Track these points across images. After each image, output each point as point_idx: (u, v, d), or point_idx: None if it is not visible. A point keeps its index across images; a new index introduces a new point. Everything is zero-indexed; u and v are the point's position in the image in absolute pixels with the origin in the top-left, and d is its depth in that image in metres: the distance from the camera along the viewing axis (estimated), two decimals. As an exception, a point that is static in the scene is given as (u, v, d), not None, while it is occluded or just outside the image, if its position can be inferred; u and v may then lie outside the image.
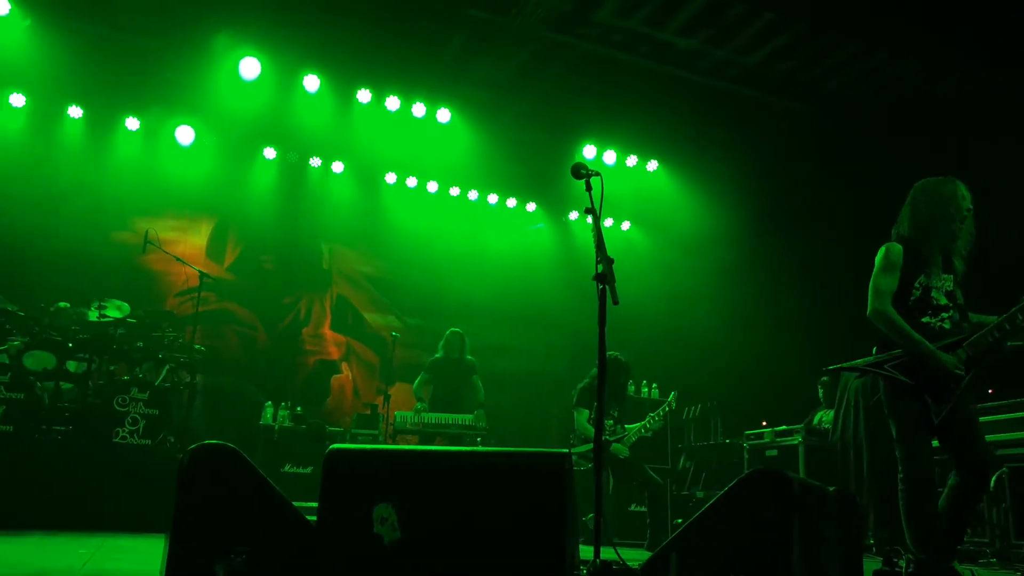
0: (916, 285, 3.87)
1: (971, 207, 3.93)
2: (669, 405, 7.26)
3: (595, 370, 7.08)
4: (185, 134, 9.36)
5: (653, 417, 7.12)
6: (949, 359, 3.72)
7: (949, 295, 3.91)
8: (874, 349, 4.00)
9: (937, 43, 7.60)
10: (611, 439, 6.91)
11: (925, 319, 3.85)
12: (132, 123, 9.22)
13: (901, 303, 3.87)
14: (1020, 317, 3.72)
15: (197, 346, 7.97)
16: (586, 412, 7.06)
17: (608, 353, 6.13)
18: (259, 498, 2.80)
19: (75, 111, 8.95)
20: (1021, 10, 6.82)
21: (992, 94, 7.86)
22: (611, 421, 7.06)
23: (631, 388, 8.91)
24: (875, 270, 3.93)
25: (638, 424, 7.14)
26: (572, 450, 6.78)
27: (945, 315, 3.87)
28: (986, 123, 7.87)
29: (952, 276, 3.95)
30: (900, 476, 3.81)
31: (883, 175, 8.51)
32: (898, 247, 3.92)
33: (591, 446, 6.73)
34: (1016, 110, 7.52)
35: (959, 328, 3.88)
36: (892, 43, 7.85)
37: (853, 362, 4.07)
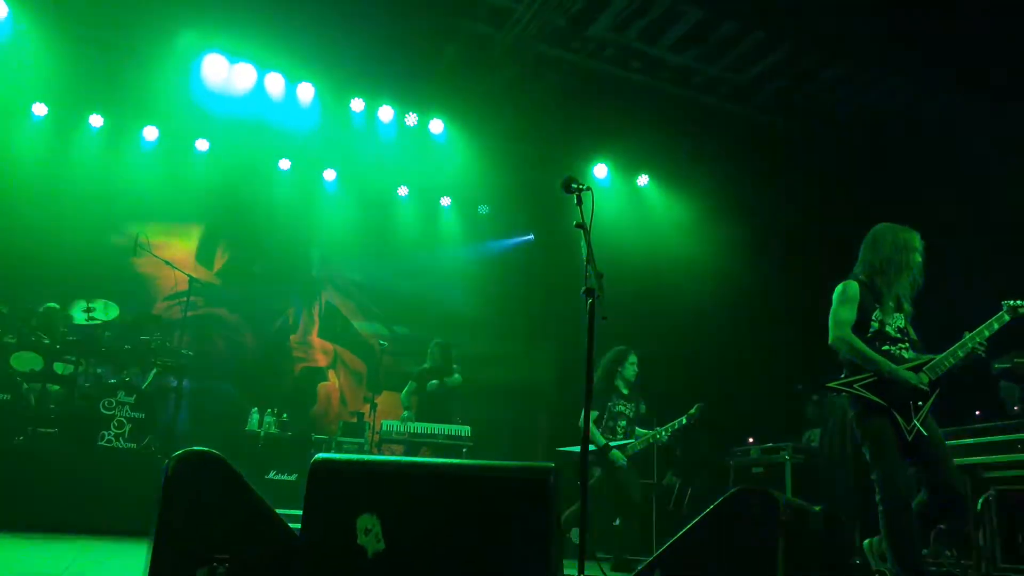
0: (874, 318, 4.18)
1: (921, 260, 4.28)
2: (689, 418, 6.73)
3: (608, 364, 6.86)
4: (176, 140, 9.35)
5: (666, 430, 6.74)
6: (913, 376, 4.02)
7: (901, 331, 4.24)
8: (843, 373, 4.24)
9: (923, 63, 7.67)
10: (614, 443, 6.55)
11: (886, 347, 4.14)
12: (124, 128, 9.19)
13: (862, 334, 4.15)
14: (969, 346, 4.09)
15: (185, 350, 7.95)
16: (594, 413, 6.55)
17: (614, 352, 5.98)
18: (243, 506, 2.79)
19: (68, 116, 8.93)
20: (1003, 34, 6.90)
21: (978, 115, 7.93)
22: (624, 423, 6.75)
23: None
24: (834, 304, 4.25)
25: (649, 433, 6.78)
26: (560, 448, 6.58)
27: (903, 345, 4.19)
28: (972, 143, 7.94)
29: (903, 315, 4.28)
30: (878, 498, 3.96)
31: (872, 193, 8.58)
32: (855, 284, 4.24)
33: (593, 447, 6.38)
34: (1003, 132, 7.59)
35: (918, 356, 4.18)
36: (879, 62, 7.92)
37: (829, 383, 4.26)
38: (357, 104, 9.12)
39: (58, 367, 7.05)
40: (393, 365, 9.83)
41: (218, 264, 9.95)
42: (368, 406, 8.71)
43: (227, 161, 9.75)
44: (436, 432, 8.03)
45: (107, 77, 8.39)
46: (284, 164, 10.05)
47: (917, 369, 4.09)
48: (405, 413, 8.24)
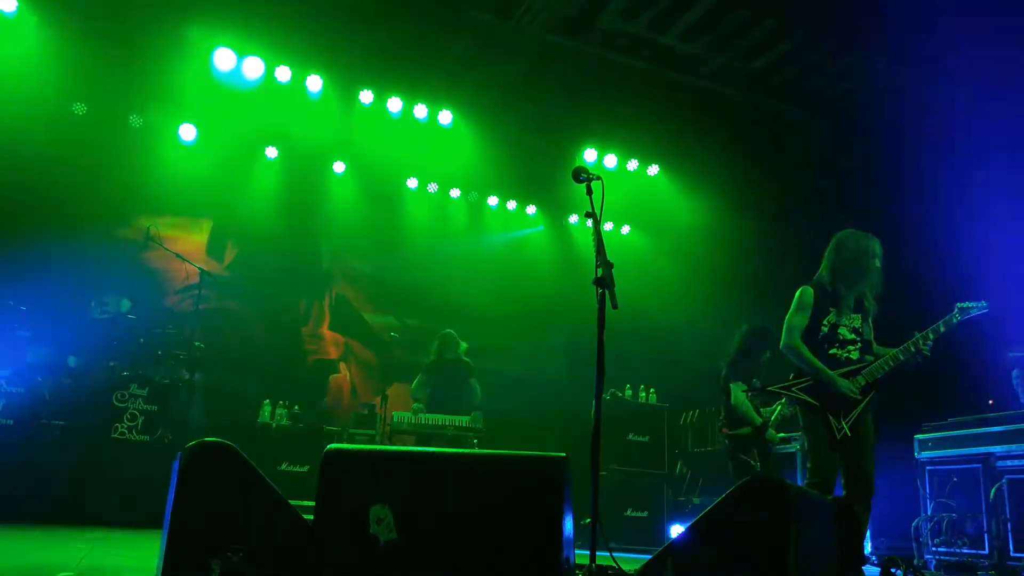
0: (824, 323, 4.56)
1: (880, 265, 4.58)
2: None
3: (741, 336, 6.39)
4: (187, 132, 9.36)
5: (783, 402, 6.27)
6: (845, 383, 4.42)
7: (856, 331, 4.58)
8: (791, 375, 4.63)
9: (935, 51, 7.60)
10: (769, 423, 6.18)
11: (832, 351, 4.53)
12: (134, 120, 9.20)
13: (812, 337, 4.56)
14: (911, 350, 4.47)
15: (196, 343, 7.98)
16: (743, 386, 6.23)
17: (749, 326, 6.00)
18: (257, 496, 2.80)
19: (78, 107, 8.94)
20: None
21: (991, 104, 7.87)
22: (756, 401, 6.37)
23: (628, 392, 8.93)
24: (790, 310, 4.65)
25: (776, 406, 6.35)
26: (730, 431, 6.08)
27: (851, 347, 4.55)
28: (983, 133, 7.88)
29: (861, 315, 4.62)
30: (805, 483, 4.46)
31: (883, 183, 8.53)
32: (811, 291, 4.62)
33: (748, 430, 6.04)
34: (1014, 125, 7.54)
35: (863, 359, 4.56)
36: (889, 51, 7.86)
37: (771, 386, 4.75)
38: (366, 95, 9.12)
39: (71, 360, 7.10)
40: (404, 357, 9.84)
41: (228, 257, 9.96)
42: (379, 398, 8.73)
43: (236, 154, 9.76)
44: (447, 423, 8.04)
45: (114, 71, 8.41)
46: (293, 156, 10.05)
47: (855, 374, 4.48)
48: (415, 405, 8.26)
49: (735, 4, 7.53)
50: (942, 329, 4.54)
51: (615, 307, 3.62)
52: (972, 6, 6.75)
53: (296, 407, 8.52)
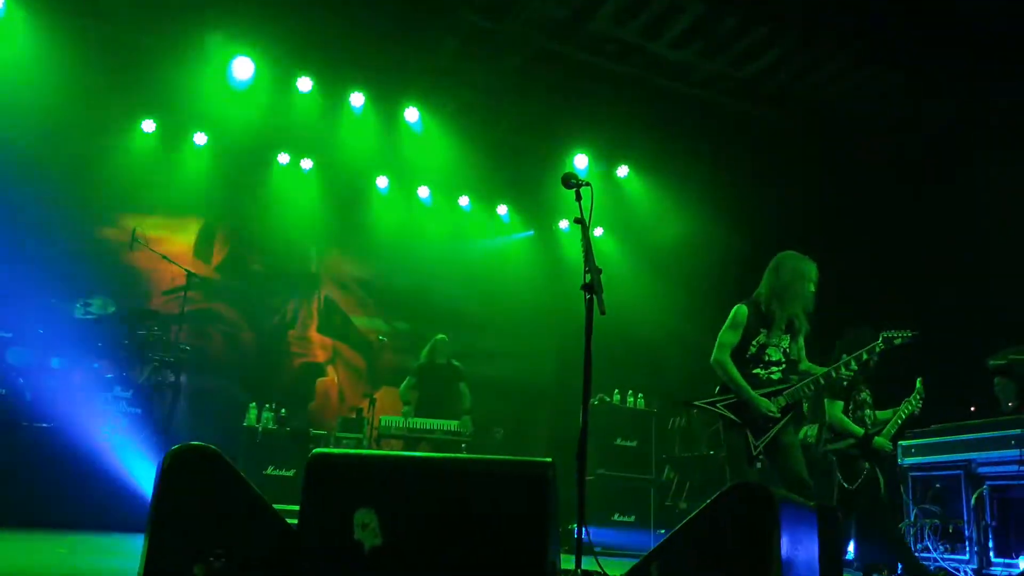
0: (754, 343, 4.74)
1: (813, 290, 4.79)
2: (919, 394, 6.04)
3: (848, 355, 5.74)
4: (175, 134, 9.33)
5: (909, 402, 6.01)
6: (764, 403, 4.60)
7: (784, 352, 4.80)
8: (716, 389, 4.80)
9: (927, 59, 7.65)
10: (872, 431, 5.87)
11: (756, 370, 4.72)
12: (122, 121, 9.17)
13: (741, 355, 4.73)
14: (832, 375, 4.74)
15: (182, 345, 7.94)
16: (840, 404, 5.92)
17: (863, 329, 5.66)
18: (239, 501, 2.79)
19: (67, 108, 8.89)
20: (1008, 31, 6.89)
21: (981, 113, 7.92)
22: (868, 411, 6.01)
23: (616, 397, 8.93)
24: (724, 326, 4.83)
25: (888, 412, 6.07)
26: (828, 446, 5.92)
27: (775, 368, 4.75)
28: (973, 141, 7.94)
29: (790, 336, 4.83)
30: None
31: (873, 190, 8.58)
32: (744, 310, 4.81)
33: (850, 441, 5.80)
34: (1003, 130, 7.59)
35: (786, 379, 4.77)
36: (881, 58, 7.90)
37: (695, 401, 4.90)
38: (357, 98, 9.12)
39: (55, 362, 7.05)
40: (392, 360, 9.83)
41: (216, 259, 9.93)
42: (367, 402, 8.72)
43: (225, 155, 9.72)
44: (435, 428, 8.04)
45: (103, 70, 8.36)
46: (283, 158, 10.03)
47: (776, 394, 4.67)
48: (405, 408, 8.24)
49: (725, 12, 7.56)
50: (864, 357, 4.82)
51: (603, 313, 3.62)
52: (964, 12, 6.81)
53: (283, 410, 8.49)
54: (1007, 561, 5.81)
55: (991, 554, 5.89)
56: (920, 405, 6.07)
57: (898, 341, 4.84)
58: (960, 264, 7.63)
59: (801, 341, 4.89)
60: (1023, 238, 7.13)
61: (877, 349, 4.86)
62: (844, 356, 4.83)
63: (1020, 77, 7.22)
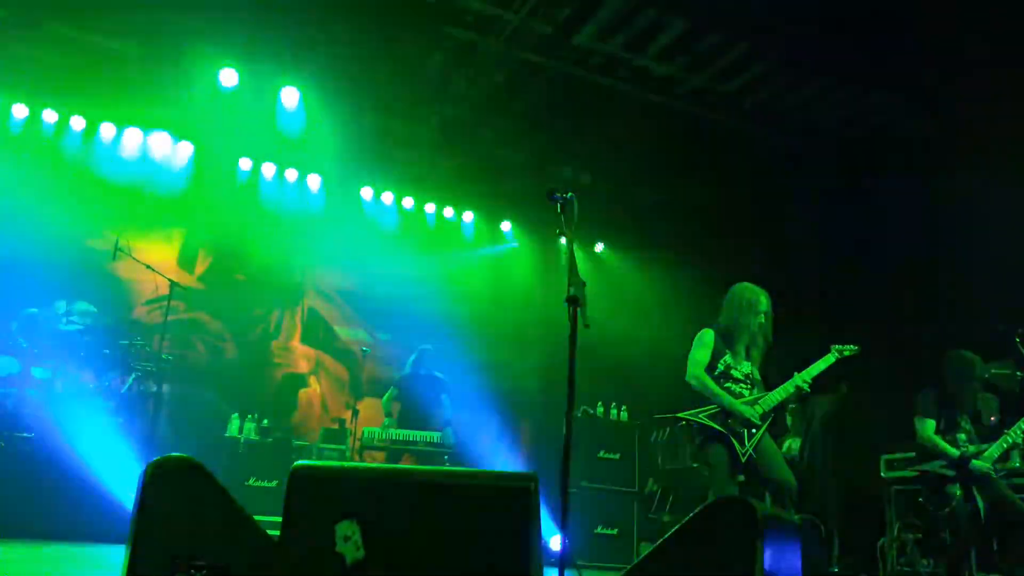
0: (721, 363, 4.92)
1: (764, 320, 4.97)
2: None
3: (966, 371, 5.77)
4: (160, 143, 9.30)
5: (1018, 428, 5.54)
6: (748, 410, 4.76)
7: (747, 375, 4.96)
8: (694, 405, 4.90)
9: (910, 78, 7.74)
10: (969, 453, 5.53)
11: (728, 384, 4.87)
12: (106, 130, 9.14)
13: (710, 373, 4.88)
14: (790, 389, 4.85)
15: (165, 355, 7.89)
16: (932, 423, 5.66)
17: (956, 352, 5.73)
18: (220, 513, 2.78)
19: (50, 115, 8.86)
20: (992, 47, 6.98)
21: (963, 131, 8.01)
22: (964, 435, 5.66)
23: (600, 409, 8.93)
24: (693, 347, 5.00)
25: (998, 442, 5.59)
26: (923, 466, 5.69)
27: (743, 385, 4.91)
28: (954, 158, 8.02)
29: (750, 363, 5.01)
30: None
31: (854, 207, 8.65)
32: (711, 332, 5.00)
33: (940, 463, 5.56)
34: (986, 147, 7.67)
35: (753, 393, 4.92)
36: (864, 77, 7.98)
37: (679, 413, 4.96)
38: (341, 111, 9.10)
39: (36, 372, 6.99)
40: (375, 371, 9.79)
41: (200, 269, 9.88)
42: (350, 412, 8.67)
43: (209, 165, 9.70)
44: (418, 439, 8.02)
45: (84, 79, 8.33)
46: (267, 169, 10.00)
47: (753, 403, 4.81)
48: (387, 420, 8.21)
49: (708, 28, 7.63)
50: (821, 367, 4.97)
51: (587, 326, 3.62)
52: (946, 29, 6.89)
53: (265, 421, 8.43)
54: (990, 575, 5.84)
55: (973, 567, 5.91)
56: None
57: (847, 353, 5.01)
58: (942, 276, 7.71)
59: (757, 372, 5.05)
60: (1013, 253, 7.19)
61: (831, 360, 5.00)
62: (795, 374, 4.93)
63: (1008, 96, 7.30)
